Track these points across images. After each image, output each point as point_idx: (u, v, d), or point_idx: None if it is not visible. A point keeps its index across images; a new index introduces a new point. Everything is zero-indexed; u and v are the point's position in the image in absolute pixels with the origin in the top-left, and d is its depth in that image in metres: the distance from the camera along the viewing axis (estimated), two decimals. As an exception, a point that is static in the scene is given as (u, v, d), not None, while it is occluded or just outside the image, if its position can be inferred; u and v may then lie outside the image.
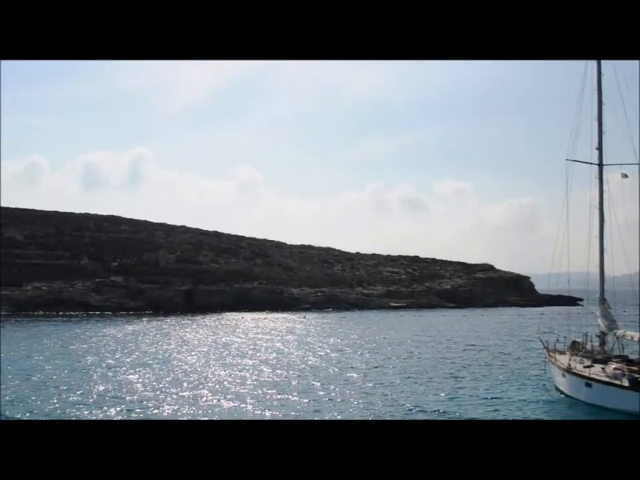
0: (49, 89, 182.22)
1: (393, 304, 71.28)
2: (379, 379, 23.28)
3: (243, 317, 56.64)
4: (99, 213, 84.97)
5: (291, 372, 24.84)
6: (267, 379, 23.07)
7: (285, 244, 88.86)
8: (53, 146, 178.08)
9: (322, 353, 31.18)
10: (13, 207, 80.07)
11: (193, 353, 30.83)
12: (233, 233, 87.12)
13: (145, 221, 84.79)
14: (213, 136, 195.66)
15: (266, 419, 15.17)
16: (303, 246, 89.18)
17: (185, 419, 14.30)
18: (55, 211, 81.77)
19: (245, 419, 15.02)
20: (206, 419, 14.60)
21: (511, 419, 16.98)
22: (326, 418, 15.89)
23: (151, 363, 27.33)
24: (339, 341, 37.39)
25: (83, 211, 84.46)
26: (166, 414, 16.04)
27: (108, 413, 16.47)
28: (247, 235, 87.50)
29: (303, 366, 26.76)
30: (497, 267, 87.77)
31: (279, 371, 24.95)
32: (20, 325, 47.46)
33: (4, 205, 79.11)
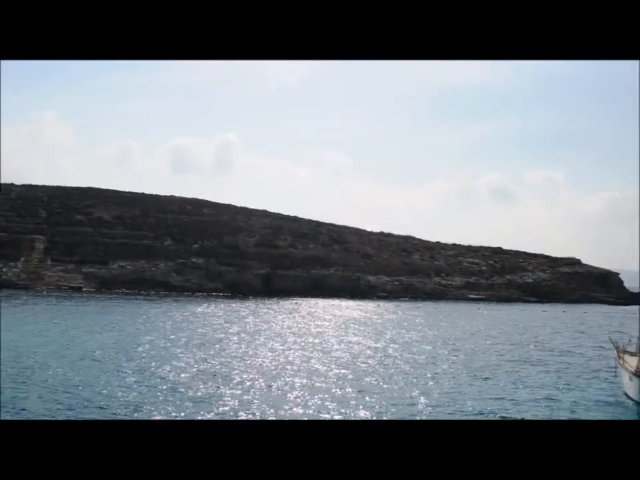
0: (142, 76, 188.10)
1: (471, 295, 69.86)
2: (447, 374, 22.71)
3: (316, 303, 56.79)
4: (184, 196, 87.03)
5: (382, 368, 24.06)
6: (361, 373, 22.36)
7: (365, 231, 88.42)
8: (146, 131, 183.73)
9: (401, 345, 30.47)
10: (104, 188, 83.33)
11: (276, 340, 30.68)
12: (313, 218, 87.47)
13: (228, 204, 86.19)
14: (302, 122, 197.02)
15: (266, 419, 14.93)
16: (382, 233, 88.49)
17: (185, 419, 14.19)
18: (142, 193, 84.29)
19: (245, 419, 14.86)
20: (206, 419, 14.46)
21: (511, 419, 16.41)
22: (326, 418, 15.57)
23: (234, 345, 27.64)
24: (416, 334, 36.72)
25: (169, 194, 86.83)
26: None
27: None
28: (327, 221, 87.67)
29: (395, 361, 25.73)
30: (585, 261, 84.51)
31: (368, 364, 24.25)
32: (111, 301, 49.26)
33: (97, 185, 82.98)
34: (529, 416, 16.54)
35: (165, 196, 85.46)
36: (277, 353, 26.38)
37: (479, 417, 16.34)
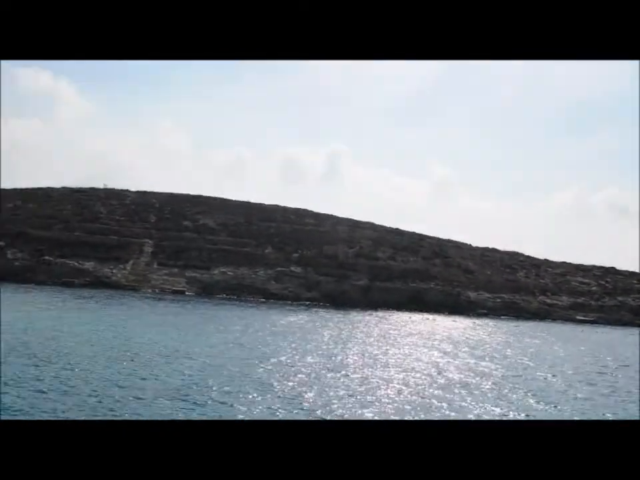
0: (255, 85, 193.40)
1: (578, 317, 66.51)
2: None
3: (410, 318, 55.87)
4: (288, 205, 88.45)
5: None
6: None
7: (469, 245, 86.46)
8: (259, 140, 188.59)
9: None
10: (212, 196, 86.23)
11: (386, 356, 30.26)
12: (417, 231, 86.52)
13: (330, 215, 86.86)
14: (410, 133, 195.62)
15: (266, 419, 14.71)
16: (487, 249, 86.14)
17: (185, 419, 14.09)
18: (248, 202, 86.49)
19: (245, 419, 14.66)
20: (206, 419, 14.31)
21: (510, 419, 15.90)
22: (326, 418, 15.22)
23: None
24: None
25: (274, 203, 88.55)
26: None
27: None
28: (431, 234, 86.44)
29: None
30: None
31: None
32: (217, 305, 50.70)
33: (209, 193, 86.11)
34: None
35: (270, 205, 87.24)
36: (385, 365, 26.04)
37: (478, 417, 15.68)
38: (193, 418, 14.07)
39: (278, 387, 19.78)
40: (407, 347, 33.70)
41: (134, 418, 13.58)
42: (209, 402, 16.67)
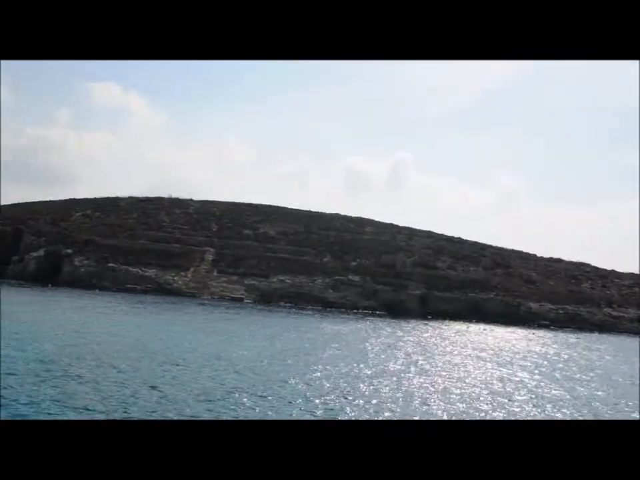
0: (317, 92, 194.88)
1: (646, 330, 63.98)
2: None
3: (468, 328, 55.03)
4: (348, 214, 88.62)
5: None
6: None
7: (533, 255, 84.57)
8: (322, 149, 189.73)
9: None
10: (274, 205, 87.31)
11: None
12: (480, 240, 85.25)
13: (390, 223, 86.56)
14: (476, 140, 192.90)
15: (266, 419, 14.61)
16: (551, 259, 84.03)
17: (184, 419, 14.04)
18: (308, 210, 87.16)
19: (244, 419, 14.58)
20: (206, 419, 14.26)
21: (510, 419, 15.59)
22: (326, 418, 15.06)
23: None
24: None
25: (339, 212, 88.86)
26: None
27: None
28: (494, 244, 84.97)
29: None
30: None
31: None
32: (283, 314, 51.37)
33: (271, 202, 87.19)
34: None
35: (330, 213, 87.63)
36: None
37: (478, 417, 15.32)
38: (192, 418, 14.14)
39: (290, 389, 19.95)
40: (442, 356, 33.31)
41: (134, 418, 13.71)
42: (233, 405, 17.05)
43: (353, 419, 15.13)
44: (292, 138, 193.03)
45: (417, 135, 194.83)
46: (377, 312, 62.90)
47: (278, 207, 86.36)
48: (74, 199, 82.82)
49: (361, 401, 19.07)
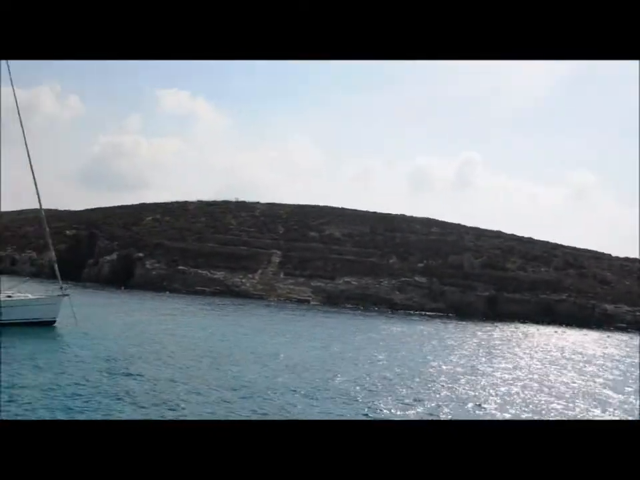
0: (383, 94, 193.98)
1: None
2: None
3: (537, 330, 53.63)
4: (416, 215, 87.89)
5: None
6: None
7: (608, 255, 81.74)
8: (388, 149, 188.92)
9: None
10: (339, 207, 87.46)
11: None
12: (551, 240, 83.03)
13: (457, 224, 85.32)
14: (545, 138, 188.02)
15: (266, 419, 14.44)
16: (627, 258, 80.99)
17: (184, 419, 13.93)
18: (374, 212, 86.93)
19: (244, 419, 14.44)
20: (206, 419, 14.10)
21: (510, 419, 15.34)
22: (325, 418, 14.79)
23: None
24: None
25: (401, 212, 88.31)
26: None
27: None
28: (566, 244, 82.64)
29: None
30: None
31: None
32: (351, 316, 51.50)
33: (338, 205, 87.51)
34: None
35: (396, 214, 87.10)
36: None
37: (478, 417, 14.77)
38: (192, 418, 14.09)
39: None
40: (504, 357, 32.51)
41: (134, 418, 13.71)
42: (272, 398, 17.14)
43: (353, 419, 14.97)
44: (358, 140, 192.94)
45: (486, 134, 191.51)
46: (444, 313, 62.15)
47: (343, 209, 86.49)
48: (144, 204, 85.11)
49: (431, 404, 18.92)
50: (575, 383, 25.57)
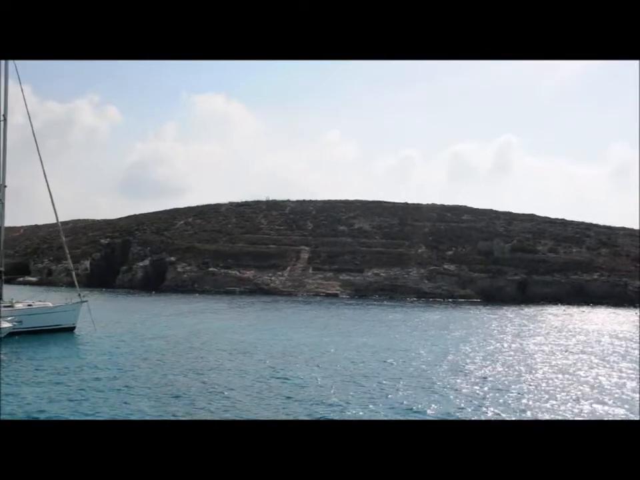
0: (419, 86, 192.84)
1: None
2: None
3: (564, 311, 52.96)
4: (446, 204, 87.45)
5: None
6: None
7: (643, 232, 79.94)
8: (425, 140, 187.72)
9: None
10: (370, 200, 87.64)
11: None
12: (592, 221, 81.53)
13: (489, 209, 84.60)
14: (586, 117, 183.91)
15: (266, 419, 14.43)
16: (664, 235, 79.10)
17: (184, 419, 14.09)
18: (405, 203, 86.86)
19: (244, 419, 14.50)
20: (206, 419, 14.23)
21: (511, 419, 14.97)
22: (325, 418, 14.80)
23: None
24: None
25: (440, 202, 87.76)
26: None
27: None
28: (606, 223, 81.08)
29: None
30: None
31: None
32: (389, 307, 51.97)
33: (372, 198, 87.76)
34: None
35: (426, 204, 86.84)
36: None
37: (478, 417, 14.94)
38: (192, 418, 14.21)
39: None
40: (512, 340, 32.49)
41: (134, 418, 13.85)
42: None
43: (353, 419, 15.00)
44: (395, 133, 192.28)
45: (525, 116, 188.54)
46: (474, 299, 61.92)
47: (373, 202, 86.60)
48: (177, 209, 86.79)
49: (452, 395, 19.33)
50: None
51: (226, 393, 18.11)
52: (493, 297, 62.26)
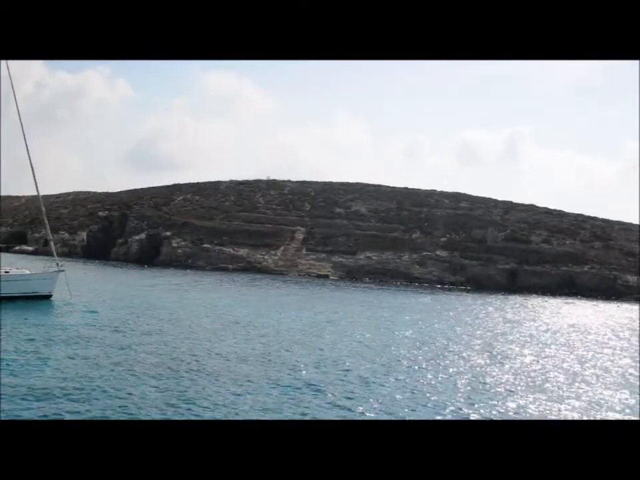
0: (433, 71, 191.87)
1: None
2: None
3: (546, 302, 53.35)
4: (445, 190, 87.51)
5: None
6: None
7: (638, 226, 79.87)
8: (436, 124, 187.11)
9: None
10: (370, 183, 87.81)
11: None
12: (583, 213, 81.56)
13: (488, 198, 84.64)
14: (600, 112, 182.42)
15: (266, 418, 14.58)
16: (660, 231, 78.95)
17: (184, 419, 14.27)
18: (405, 188, 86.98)
19: (244, 419, 14.56)
20: (206, 419, 14.35)
21: (511, 419, 14.95)
22: (325, 418, 14.98)
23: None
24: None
25: (450, 189, 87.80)
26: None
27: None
28: (599, 216, 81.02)
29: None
30: None
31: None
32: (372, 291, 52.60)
33: (376, 182, 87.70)
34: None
35: (426, 190, 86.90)
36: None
37: (478, 417, 15.20)
38: (192, 418, 14.40)
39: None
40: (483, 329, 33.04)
41: (134, 418, 14.04)
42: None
43: (353, 419, 14.99)
44: (406, 117, 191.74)
45: (537, 106, 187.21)
46: (463, 287, 62.39)
47: (373, 185, 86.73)
48: (177, 184, 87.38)
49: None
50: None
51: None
52: (483, 285, 62.59)
